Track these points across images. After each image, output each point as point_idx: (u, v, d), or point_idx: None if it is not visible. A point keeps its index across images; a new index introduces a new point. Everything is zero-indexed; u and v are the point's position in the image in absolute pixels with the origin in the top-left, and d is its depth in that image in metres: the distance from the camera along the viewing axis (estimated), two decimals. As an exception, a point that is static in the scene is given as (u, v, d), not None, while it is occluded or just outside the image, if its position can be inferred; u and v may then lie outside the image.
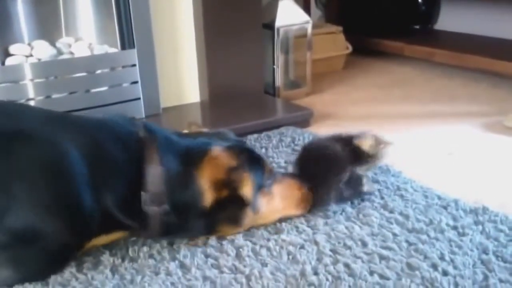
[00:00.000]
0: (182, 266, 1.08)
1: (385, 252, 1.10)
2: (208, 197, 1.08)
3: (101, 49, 1.90)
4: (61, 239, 1.02)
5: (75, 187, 1.01)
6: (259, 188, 1.15)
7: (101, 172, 1.03)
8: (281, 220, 1.23)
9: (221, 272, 1.06)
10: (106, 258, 1.10)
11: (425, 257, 1.07)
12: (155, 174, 1.05)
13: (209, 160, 1.09)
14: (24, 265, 1.00)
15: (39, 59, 1.81)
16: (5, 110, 1.07)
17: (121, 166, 1.05)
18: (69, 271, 1.06)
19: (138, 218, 1.07)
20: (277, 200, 1.20)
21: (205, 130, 1.31)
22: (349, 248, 1.12)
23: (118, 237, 1.14)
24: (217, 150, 1.11)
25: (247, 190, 1.11)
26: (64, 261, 1.06)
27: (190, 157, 1.10)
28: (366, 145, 1.32)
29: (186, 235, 1.14)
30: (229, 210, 1.12)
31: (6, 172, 0.97)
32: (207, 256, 1.11)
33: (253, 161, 1.16)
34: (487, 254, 1.08)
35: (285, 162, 1.59)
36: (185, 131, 1.31)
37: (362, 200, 1.33)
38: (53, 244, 1.01)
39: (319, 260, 1.08)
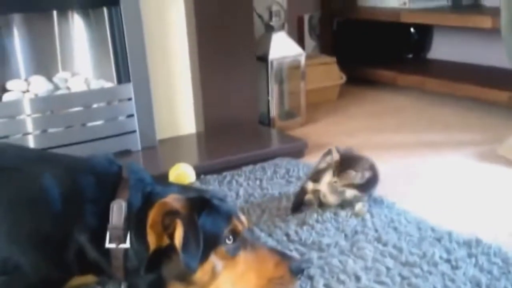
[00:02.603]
0: (175, 302, 1.08)
1: (378, 287, 1.10)
2: (151, 241, 1.01)
3: (97, 83, 1.93)
4: (39, 272, 1.02)
5: (50, 222, 1.03)
6: (211, 244, 1.02)
7: (75, 209, 1.05)
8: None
9: (215, 309, 1.05)
10: (100, 292, 1.10)
11: (419, 291, 1.08)
12: (118, 208, 1.05)
13: (158, 204, 1.02)
14: None
15: (36, 95, 1.83)
16: None
17: (94, 203, 1.06)
18: (62, 309, 1.06)
19: (105, 256, 1.05)
20: (241, 270, 1.04)
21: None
22: (343, 282, 1.12)
23: (91, 281, 1.13)
24: (172, 196, 1.04)
25: (177, 235, 0.99)
26: None
27: (151, 200, 1.05)
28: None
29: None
30: (173, 262, 1.02)
31: None
32: (200, 292, 1.10)
33: (212, 215, 1.04)
34: (480, 287, 1.08)
35: (279, 193, 1.60)
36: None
37: (356, 232, 1.34)
38: (31, 278, 1.01)
39: (312, 295, 1.08)
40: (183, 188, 1.17)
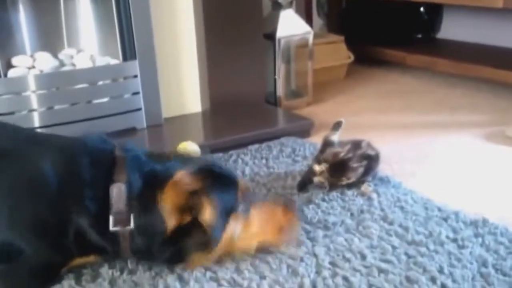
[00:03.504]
0: (180, 279, 1.08)
1: (384, 265, 1.09)
2: (170, 221, 1.04)
3: (103, 60, 1.91)
4: (40, 256, 1.02)
5: (49, 206, 1.02)
6: (228, 212, 1.08)
7: (74, 192, 1.04)
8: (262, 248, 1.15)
9: (220, 285, 1.06)
10: (105, 270, 1.11)
11: (424, 270, 1.07)
12: (118, 192, 1.04)
13: (171, 184, 1.05)
14: (8, 280, 1.00)
15: (41, 71, 1.82)
16: None
17: (92, 186, 1.05)
18: (68, 283, 1.07)
19: (109, 239, 1.06)
20: (255, 226, 1.12)
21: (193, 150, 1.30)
22: (348, 260, 1.12)
23: (93, 260, 1.13)
24: (181, 174, 1.06)
25: (206, 215, 1.04)
26: (47, 279, 1.06)
27: (155, 179, 1.07)
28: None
29: (157, 262, 1.11)
30: (195, 237, 1.06)
31: None
32: (205, 269, 1.11)
33: (222, 184, 1.09)
34: (486, 267, 1.08)
35: (285, 172, 1.59)
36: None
37: (362, 211, 1.33)
38: (33, 261, 1.01)
39: (318, 273, 1.08)
40: (181, 161, 1.15)
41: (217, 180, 1.08)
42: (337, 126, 1.50)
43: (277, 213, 1.15)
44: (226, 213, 1.07)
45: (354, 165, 1.41)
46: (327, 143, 1.48)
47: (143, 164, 1.10)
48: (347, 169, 1.41)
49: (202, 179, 1.06)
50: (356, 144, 1.46)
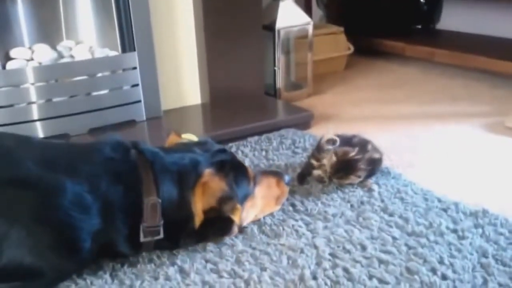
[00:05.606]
0: (181, 271, 1.08)
1: (384, 256, 1.10)
2: (198, 219, 1.11)
3: (101, 52, 1.90)
4: (59, 274, 1.03)
5: (74, 229, 1.00)
6: (246, 199, 1.19)
7: (106, 211, 1.03)
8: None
9: (220, 276, 1.06)
10: (106, 263, 1.11)
11: (425, 261, 1.08)
12: (152, 207, 1.06)
13: (202, 186, 1.10)
14: None
15: (40, 63, 1.81)
16: None
17: (123, 201, 1.05)
18: (69, 276, 1.07)
19: (134, 246, 1.09)
20: (259, 201, 1.24)
21: (185, 138, 1.32)
22: (348, 252, 1.12)
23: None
24: (208, 173, 1.12)
25: (238, 217, 1.12)
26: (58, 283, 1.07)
27: (184, 180, 1.10)
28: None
29: (176, 249, 1.16)
30: (217, 226, 1.15)
31: (5, 218, 0.95)
32: (206, 261, 1.11)
33: (240, 175, 1.19)
34: (486, 257, 1.08)
35: (286, 164, 1.59)
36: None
37: (362, 203, 1.33)
38: (52, 280, 1.02)
39: (318, 264, 1.09)
40: (198, 152, 1.17)
41: (235, 172, 1.17)
42: (330, 142, 1.45)
43: (272, 185, 1.28)
44: (244, 201, 1.18)
45: (362, 166, 1.40)
46: (322, 148, 1.44)
47: (167, 164, 1.11)
48: (355, 168, 1.39)
49: (226, 176, 1.13)
50: (363, 146, 1.43)
